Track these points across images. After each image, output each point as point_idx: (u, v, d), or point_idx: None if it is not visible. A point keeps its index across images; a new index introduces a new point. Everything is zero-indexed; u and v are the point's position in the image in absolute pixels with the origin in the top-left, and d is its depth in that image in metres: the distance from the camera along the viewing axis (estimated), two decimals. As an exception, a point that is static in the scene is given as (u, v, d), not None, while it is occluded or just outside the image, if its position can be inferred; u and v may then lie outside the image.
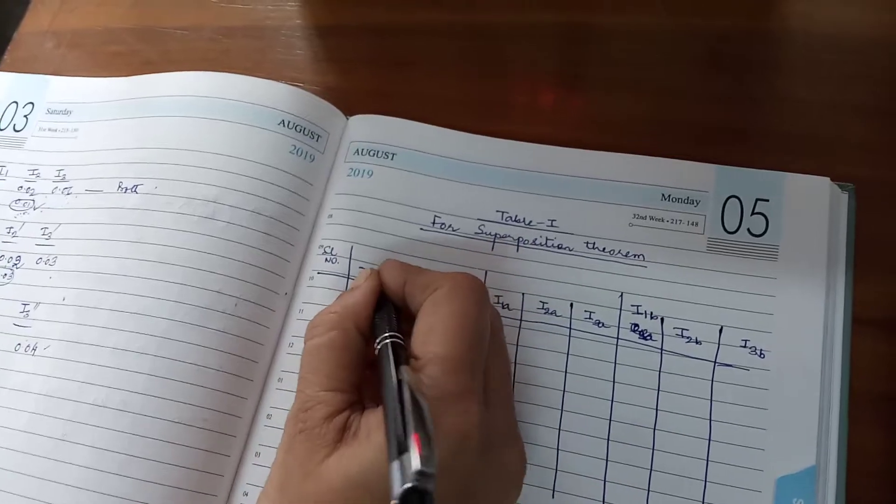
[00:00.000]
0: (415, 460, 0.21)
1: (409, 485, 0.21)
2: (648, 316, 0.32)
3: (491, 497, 0.27)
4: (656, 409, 0.31)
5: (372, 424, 0.25)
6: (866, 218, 0.34)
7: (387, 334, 0.28)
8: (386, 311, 0.30)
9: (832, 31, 0.38)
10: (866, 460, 0.31)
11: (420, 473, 0.21)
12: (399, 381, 0.25)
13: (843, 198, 0.34)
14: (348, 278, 0.34)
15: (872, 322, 0.33)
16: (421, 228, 0.35)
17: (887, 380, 0.32)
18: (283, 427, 0.32)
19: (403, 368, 0.25)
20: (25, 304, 0.36)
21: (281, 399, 0.33)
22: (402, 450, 0.22)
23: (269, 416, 0.33)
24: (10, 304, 0.36)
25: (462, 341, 0.26)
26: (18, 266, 0.37)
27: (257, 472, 0.32)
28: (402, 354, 0.27)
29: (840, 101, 0.37)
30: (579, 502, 0.30)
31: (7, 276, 0.37)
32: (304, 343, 0.29)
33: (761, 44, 0.39)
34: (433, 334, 0.27)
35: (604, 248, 0.34)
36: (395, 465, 0.22)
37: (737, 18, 0.40)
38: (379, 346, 0.28)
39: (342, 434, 0.26)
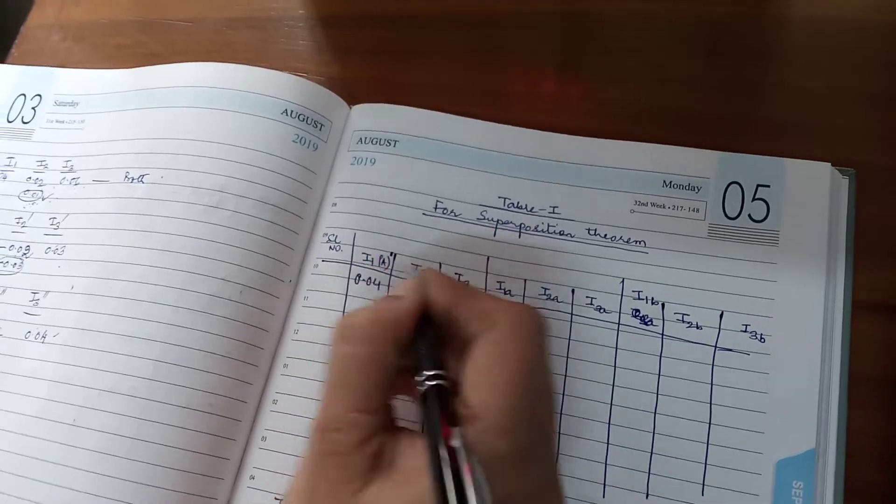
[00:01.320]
0: None
1: None
2: (649, 301, 0.33)
3: None
4: (657, 394, 0.31)
5: (407, 457, 0.24)
6: (867, 203, 0.34)
7: (431, 373, 0.25)
8: (428, 335, 0.26)
9: (832, 17, 0.38)
10: (866, 443, 0.31)
11: None
12: (451, 449, 0.22)
13: (844, 183, 0.34)
14: (351, 265, 0.35)
15: (872, 306, 0.33)
16: (424, 214, 0.36)
17: (887, 363, 0.32)
18: (287, 412, 0.33)
19: (457, 433, 0.22)
20: (35, 293, 0.37)
21: (286, 385, 0.34)
22: None
23: (274, 402, 0.34)
24: (20, 292, 0.37)
25: (524, 395, 0.24)
26: (28, 256, 0.38)
27: (263, 456, 0.33)
28: (450, 405, 0.24)
29: (840, 87, 0.37)
30: (581, 485, 0.31)
31: (17, 266, 0.38)
32: (335, 343, 0.26)
33: (761, 31, 0.39)
34: (491, 382, 0.24)
35: (605, 235, 0.34)
36: None
37: (737, 6, 0.40)
38: (422, 389, 0.25)
39: (376, 461, 0.24)
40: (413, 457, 0.23)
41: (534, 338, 0.25)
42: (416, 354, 0.26)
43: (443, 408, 0.24)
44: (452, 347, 0.26)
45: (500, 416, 0.23)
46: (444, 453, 0.22)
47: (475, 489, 0.21)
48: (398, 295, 0.27)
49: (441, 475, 0.21)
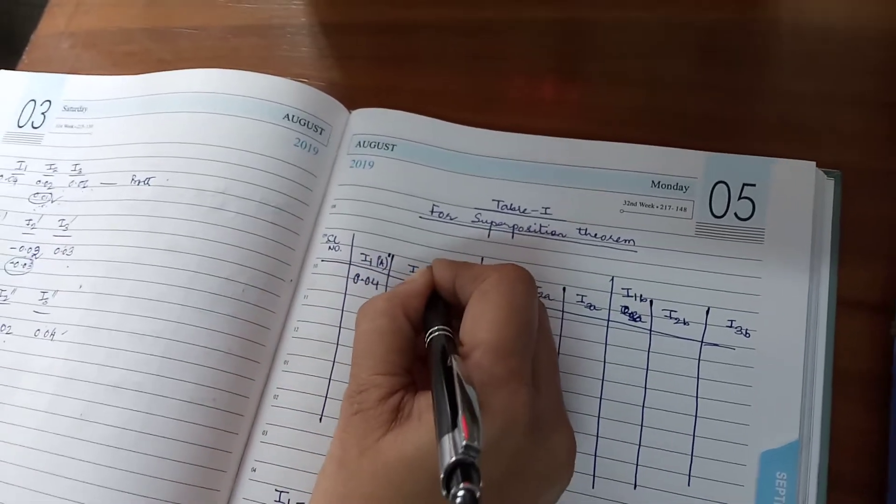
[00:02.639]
0: (462, 437, 0.22)
1: (455, 458, 0.22)
2: (638, 298, 0.34)
3: (540, 478, 0.28)
4: (645, 388, 0.32)
5: (423, 406, 0.26)
6: (853, 204, 0.35)
7: (436, 327, 0.29)
8: (437, 307, 0.31)
9: (820, 23, 0.39)
10: (849, 436, 0.32)
11: (467, 448, 0.22)
12: (447, 368, 0.26)
13: (830, 184, 0.35)
14: (350, 265, 0.36)
15: (857, 303, 0.33)
16: (420, 217, 0.37)
17: (870, 359, 0.33)
18: (288, 406, 0.34)
19: (452, 357, 0.26)
20: (44, 292, 0.38)
21: (286, 380, 0.35)
22: (450, 429, 0.23)
23: (275, 397, 0.35)
24: (30, 292, 0.38)
25: (510, 327, 0.27)
26: (37, 256, 0.39)
27: (265, 450, 0.34)
28: (451, 345, 0.28)
29: (828, 91, 0.38)
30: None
31: (27, 266, 0.39)
32: (357, 324, 0.30)
33: (751, 35, 0.40)
34: (482, 321, 0.28)
35: (596, 234, 0.35)
36: (445, 440, 0.22)
37: (728, 11, 0.41)
38: (429, 339, 0.29)
39: (396, 414, 0.27)
40: (428, 407, 0.26)
41: (515, 285, 0.29)
42: (427, 325, 0.30)
43: (445, 348, 0.27)
44: (459, 316, 0.30)
45: (489, 345, 0.27)
46: (443, 378, 0.25)
47: (468, 398, 0.24)
48: (410, 278, 0.32)
49: (438, 395, 0.25)
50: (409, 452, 0.25)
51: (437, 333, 0.29)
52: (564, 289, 0.34)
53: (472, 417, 0.23)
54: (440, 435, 0.23)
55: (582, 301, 0.34)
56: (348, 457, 0.27)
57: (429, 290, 0.31)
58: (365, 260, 0.36)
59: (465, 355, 0.27)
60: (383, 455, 0.26)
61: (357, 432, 0.27)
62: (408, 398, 0.27)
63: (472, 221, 0.36)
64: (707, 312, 0.33)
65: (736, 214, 0.34)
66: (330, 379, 0.34)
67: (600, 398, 0.33)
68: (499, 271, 0.29)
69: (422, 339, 0.30)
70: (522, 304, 0.28)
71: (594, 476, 0.32)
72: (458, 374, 0.25)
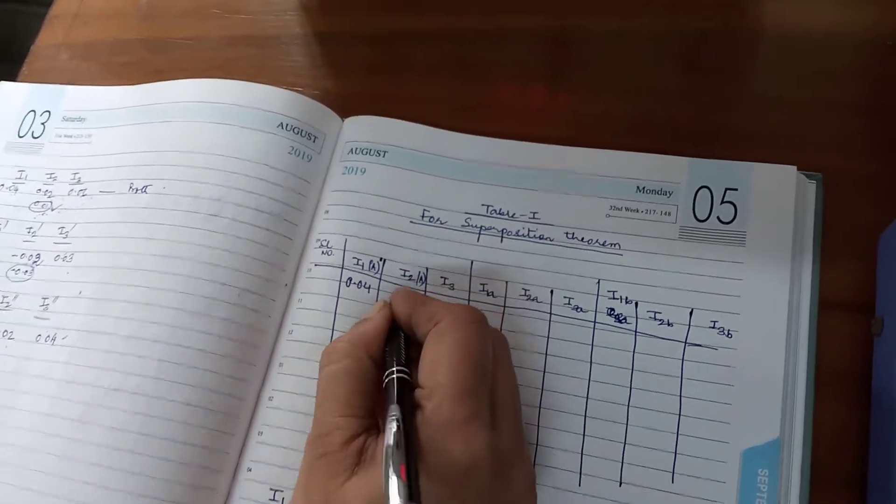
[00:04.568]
0: (396, 491, 0.24)
1: None
2: (624, 300, 0.34)
3: None
4: (630, 388, 0.33)
5: None
6: (834, 207, 0.36)
7: (393, 368, 0.30)
8: (396, 342, 0.32)
9: (800, 31, 0.40)
10: (831, 433, 0.32)
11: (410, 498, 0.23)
12: (395, 416, 0.26)
13: (811, 187, 0.36)
14: (343, 269, 0.37)
15: (838, 304, 0.34)
16: (411, 221, 0.38)
17: (851, 358, 0.33)
18: (283, 408, 0.35)
19: (392, 407, 0.27)
20: (45, 298, 0.39)
21: (281, 382, 0.36)
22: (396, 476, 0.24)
23: (270, 399, 0.36)
24: (31, 298, 0.39)
25: (465, 370, 0.28)
26: (38, 263, 0.40)
27: (260, 450, 0.35)
28: (406, 388, 0.29)
29: (809, 96, 0.39)
30: (558, 474, 0.32)
31: (28, 273, 0.40)
32: (320, 370, 0.31)
33: (734, 44, 0.41)
34: (438, 365, 0.28)
35: (582, 238, 0.36)
36: (391, 487, 0.24)
37: (712, 20, 0.42)
38: (385, 381, 0.29)
39: (360, 458, 0.28)
40: None
41: (468, 326, 0.30)
42: (385, 362, 0.31)
43: (400, 392, 0.28)
44: (417, 347, 0.31)
45: (447, 389, 0.27)
46: (395, 421, 0.26)
47: (411, 448, 0.25)
48: (369, 316, 0.33)
49: (384, 446, 0.25)
50: (373, 497, 0.26)
51: (393, 376, 0.29)
52: (552, 291, 0.35)
53: (414, 472, 0.24)
54: (384, 489, 0.24)
55: (569, 303, 0.35)
56: (313, 502, 0.28)
57: (388, 325, 0.32)
58: (357, 264, 0.37)
59: (425, 398, 0.28)
60: (349, 501, 0.26)
61: (321, 476, 0.28)
62: (371, 441, 0.28)
63: (462, 226, 0.37)
64: (690, 314, 0.34)
65: (718, 218, 0.35)
66: (322, 381, 0.35)
67: (587, 398, 0.33)
68: (452, 313, 0.30)
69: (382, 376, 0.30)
70: (476, 345, 0.29)
71: (581, 474, 0.32)
72: (400, 426, 0.26)
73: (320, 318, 0.36)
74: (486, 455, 0.26)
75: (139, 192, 0.40)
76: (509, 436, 0.29)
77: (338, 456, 0.28)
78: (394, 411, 0.27)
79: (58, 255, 0.40)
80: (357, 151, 0.40)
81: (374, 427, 0.29)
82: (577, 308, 0.35)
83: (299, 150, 0.40)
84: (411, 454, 0.25)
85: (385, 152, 0.39)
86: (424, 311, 0.31)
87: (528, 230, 0.37)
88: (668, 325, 0.34)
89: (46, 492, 0.34)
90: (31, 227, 0.41)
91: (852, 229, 0.35)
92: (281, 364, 0.36)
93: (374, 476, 0.26)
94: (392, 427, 0.25)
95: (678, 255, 0.35)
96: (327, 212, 0.39)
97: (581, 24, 0.43)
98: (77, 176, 0.42)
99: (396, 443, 0.25)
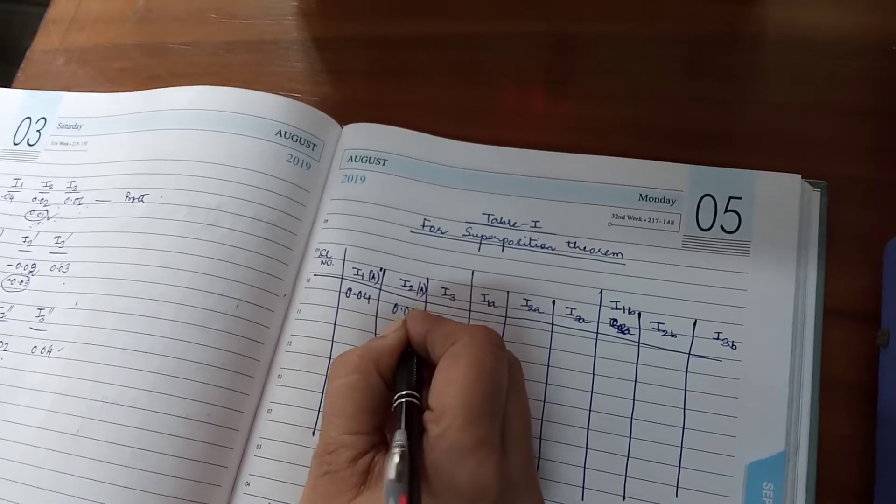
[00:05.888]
0: None
1: None
2: (626, 311, 0.34)
3: None
4: (633, 400, 0.33)
5: None
6: (839, 214, 0.35)
7: (403, 392, 0.29)
8: (409, 364, 0.31)
9: (804, 36, 0.40)
10: (838, 445, 0.32)
11: None
12: (399, 444, 0.25)
13: (816, 195, 0.35)
14: (342, 279, 0.36)
15: (844, 313, 0.34)
16: (411, 231, 0.37)
17: (857, 368, 0.33)
18: (282, 421, 0.35)
19: (398, 433, 0.26)
20: (41, 309, 0.38)
21: (280, 394, 0.35)
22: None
23: (269, 411, 0.35)
24: (26, 309, 0.39)
25: (478, 392, 0.27)
26: (34, 273, 0.40)
27: (259, 464, 0.34)
28: (415, 412, 0.28)
29: (813, 102, 0.38)
30: (560, 488, 0.32)
31: (23, 283, 0.40)
32: (329, 380, 0.30)
33: (737, 49, 0.41)
34: (451, 386, 0.27)
35: (584, 247, 0.36)
36: None
37: (715, 25, 0.41)
38: (395, 405, 0.29)
39: (366, 476, 0.27)
40: None
41: (484, 348, 0.29)
42: (396, 384, 0.30)
43: (408, 416, 0.27)
44: (431, 368, 0.30)
45: (458, 412, 0.26)
46: (398, 451, 0.25)
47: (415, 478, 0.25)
48: (385, 334, 0.32)
49: (388, 472, 0.24)
50: None
51: (403, 400, 0.28)
52: (554, 301, 0.35)
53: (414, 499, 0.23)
54: None
55: (571, 314, 0.35)
56: None
57: (402, 345, 0.31)
58: (357, 274, 0.36)
59: (434, 420, 0.27)
60: None
61: (327, 493, 0.27)
62: (377, 459, 0.27)
63: (463, 235, 0.37)
64: (694, 325, 0.33)
65: (722, 227, 0.35)
66: (323, 393, 0.35)
67: (589, 410, 0.33)
68: (469, 333, 0.29)
69: (393, 396, 0.30)
70: (491, 367, 0.28)
71: (584, 488, 0.32)
72: (405, 455, 0.25)
73: (320, 329, 0.36)
74: (495, 483, 0.26)
75: (136, 201, 0.39)
76: (519, 462, 0.28)
77: (343, 474, 0.27)
78: (399, 438, 0.26)
79: (53, 265, 0.39)
80: (357, 159, 0.39)
81: (383, 443, 0.29)
82: (579, 318, 0.34)
83: (298, 157, 0.39)
84: (415, 484, 0.24)
85: (385, 160, 0.39)
86: (440, 331, 0.30)
87: (530, 239, 0.36)
88: (672, 336, 0.33)
89: (42, 506, 0.34)
90: (26, 237, 0.41)
91: (858, 238, 0.35)
92: (280, 376, 0.36)
93: (380, 497, 0.26)
94: (395, 459, 0.24)
95: (682, 265, 0.34)
96: (327, 221, 0.38)
97: (583, 30, 0.43)
98: (73, 184, 0.42)
99: (398, 474, 0.24)
